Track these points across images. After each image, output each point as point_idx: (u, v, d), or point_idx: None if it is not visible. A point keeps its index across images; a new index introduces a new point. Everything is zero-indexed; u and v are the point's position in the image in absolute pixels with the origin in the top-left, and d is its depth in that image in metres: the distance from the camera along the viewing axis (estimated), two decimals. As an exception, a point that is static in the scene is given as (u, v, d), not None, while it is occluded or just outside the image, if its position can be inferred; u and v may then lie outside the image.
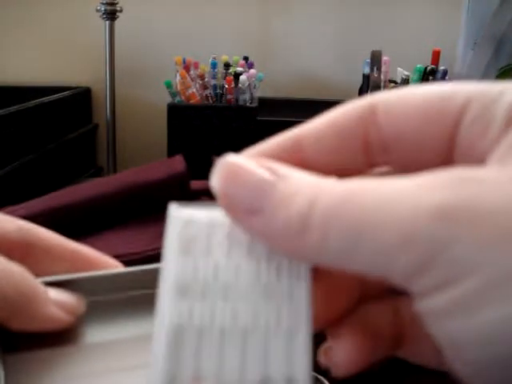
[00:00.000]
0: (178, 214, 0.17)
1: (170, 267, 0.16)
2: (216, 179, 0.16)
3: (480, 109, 0.16)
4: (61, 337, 0.24)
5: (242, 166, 0.16)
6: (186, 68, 1.09)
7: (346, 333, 0.18)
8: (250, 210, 0.15)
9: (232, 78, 1.08)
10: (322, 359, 0.18)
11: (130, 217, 0.57)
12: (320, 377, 0.27)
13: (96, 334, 0.25)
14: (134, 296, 0.26)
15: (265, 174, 0.15)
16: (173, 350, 0.15)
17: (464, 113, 0.16)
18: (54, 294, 0.23)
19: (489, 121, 0.15)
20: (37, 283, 0.23)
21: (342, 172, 0.17)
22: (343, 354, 0.17)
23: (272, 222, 0.15)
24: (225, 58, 1.12)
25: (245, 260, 0.16)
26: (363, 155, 0.17)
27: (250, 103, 1.10)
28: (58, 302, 0.23)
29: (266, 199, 0.15)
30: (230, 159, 0.16)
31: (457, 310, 0.13)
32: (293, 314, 0.16)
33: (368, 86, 1.06)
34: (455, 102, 0.16)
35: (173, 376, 0.15)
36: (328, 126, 0.17)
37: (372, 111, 0.17)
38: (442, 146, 0.16)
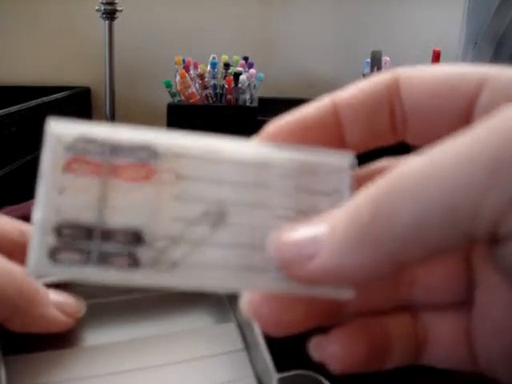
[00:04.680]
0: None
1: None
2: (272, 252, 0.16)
3: (500, 85, 0.16)
4: (61, 339, 0.24)
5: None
6: (186, 68, 1.09)
7: (340, 328, 0.17)
8: (305, 256, 0.15)
9: (232, 77, 1.08)
10: (312, 352, 0.17)
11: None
12: (321, 377, 0.27)
13: (95, 337, 0.24)
14: (133, 299, 0.26)
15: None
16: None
17: (481, 88, 0.16)
18: (55, 295, 0.23)
19: (509, 96, 0.15)
20: (38, 285, 0.23)
21: (372, 144, 0.18)
22: (334, 347, 0.17)
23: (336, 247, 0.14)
24: (225, 58, 1.12)
25: None
26: (390, 125, 0.18)
27: (250, 103, 1.10)
28: (58, 304, 0.23)
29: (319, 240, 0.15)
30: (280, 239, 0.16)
31: None
32: None
33: (368, 85, 1.05)
34: (470, 79, 0.16)
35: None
36: (360, 94, 0.18)
37: (395, 83, 0.18)
38: (456, 121, 0.17)
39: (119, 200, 0.15)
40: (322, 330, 0.17)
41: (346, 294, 0.16)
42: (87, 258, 0.14)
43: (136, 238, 0.15)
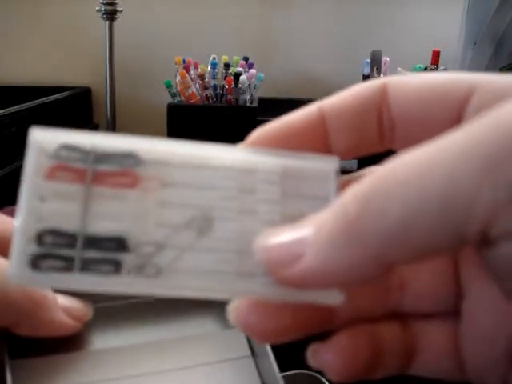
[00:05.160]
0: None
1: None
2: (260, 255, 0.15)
3: (489, 92, 0.16)
4: (68, 343, 0.24)
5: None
6: (186, 68, 1.09)
7: (338, 335, 0.17)
8: (291, 258, 0.14)
9: (232, 78, 1.08)
10: (310, 360, 0.17)
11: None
12: (320, 377, 0.27)
13: (102, 341, 0.24)
14: (140, 303, 0.26)
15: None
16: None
17: (470, 95, 0.16)
18: (62, 299, 0.23)
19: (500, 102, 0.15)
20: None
21: (359, 152, 0.18)
22: (332, 355, 0.17)
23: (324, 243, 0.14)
24: (225, 58, 1.12)
25: None
26: (377, 132, 0.18)
27: (250, 103, 1.10)
28: (66, 308, 0.23)
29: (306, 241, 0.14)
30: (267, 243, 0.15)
31: None
32: None
33: (368, 86, 1.05)
34: (460, 86, 0.16)
35: None
36: (347, 101, 0.18)
37: (384, 90, 0.17)
38: (446, 128, 0.16)
39: (103, 207, 0.15)
40: (321, 336, 0.17)
41: (335, 300, 0.15)
42: (70, 265, 0.14)
43: (120, 244, 0.15)
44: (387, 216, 0.13)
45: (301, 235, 0.14)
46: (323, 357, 0.17)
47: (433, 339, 0.18)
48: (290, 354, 0.27)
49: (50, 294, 0.23)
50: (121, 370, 0.23)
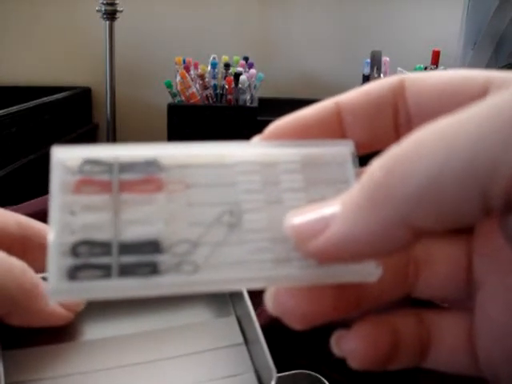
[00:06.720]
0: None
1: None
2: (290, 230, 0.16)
3: (505, 86, 0.16)
4: (60, 333, 0.24)
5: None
6: (186, 68, 1.09)
7: (362, 323, 0.17)
8: (316, 230, 0.15)
9: (232, 78, 1.08)
10: (334, 348, 0.17)
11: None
12: (320, 377, 0.27)
13: (95, 331, 0.24)
14: None
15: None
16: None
17: (486, 90, 0.16)
18: None
19: None
20: (37, 279, 0.23)
21: (374, 146, 0.18)
22: (356, 342, 0.17)
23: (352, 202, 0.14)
24: (225, 58, 1.12)
25: None
26: (393, 127, 0.18)
27: (251, 103, 1.10)
28: None
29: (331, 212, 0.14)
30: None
31: None
32: None
33: (368, 86, 1.06)
34: (476, 81, 0.17)
35: None
36: (364, 96, 0.18)
37: (401, 86, 0.18)
38: None
39: (132, 212, 0.15)
40: (334, 326, 0.17)
41: (372, 275, 0.15)
42: (108, 272, 0.14)
43: (154, 246, 0.15)
44: (413, 178, 0.13)
45: (329, 210, 0.15)
46: (347, 343, 0.17)
47: (447, 333, 0.18)
48: (290, 354, 0.27)
49: (42, 284, 0.23)
50: (114, 360, 0.23)
